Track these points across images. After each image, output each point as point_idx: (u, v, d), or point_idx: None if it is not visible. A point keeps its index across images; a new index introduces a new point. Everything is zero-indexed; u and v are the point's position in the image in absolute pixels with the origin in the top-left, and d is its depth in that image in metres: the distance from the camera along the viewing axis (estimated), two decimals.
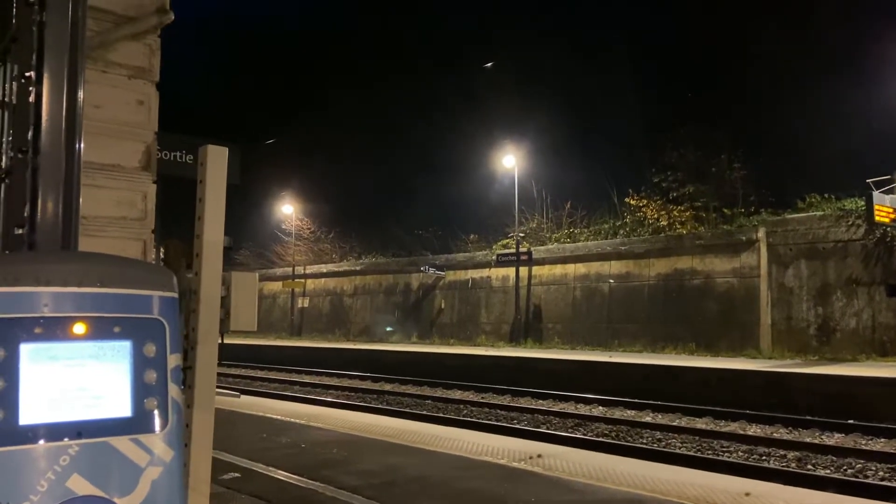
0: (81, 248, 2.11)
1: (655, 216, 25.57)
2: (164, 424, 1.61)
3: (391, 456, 6.67)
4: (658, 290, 23.16)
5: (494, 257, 28.12)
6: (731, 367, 15.55)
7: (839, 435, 11.23)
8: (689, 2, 30.71)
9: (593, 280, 25.11)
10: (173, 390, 1.65)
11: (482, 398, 16.23)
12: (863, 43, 22.82)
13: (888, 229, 18.11)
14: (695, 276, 22.37)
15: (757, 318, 20.58)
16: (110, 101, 3.35)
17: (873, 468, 9.04)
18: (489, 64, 35.48)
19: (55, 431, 1.49)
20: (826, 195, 21.31)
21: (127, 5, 3.42)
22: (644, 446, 10.56)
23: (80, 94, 2.05)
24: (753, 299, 20.79)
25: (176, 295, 1.72)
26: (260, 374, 23.72)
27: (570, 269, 26.00)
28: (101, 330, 1.58)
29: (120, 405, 1.58)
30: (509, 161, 28.28)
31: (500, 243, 30.06)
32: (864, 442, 10.74)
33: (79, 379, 1.54)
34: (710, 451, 10.26)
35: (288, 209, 41.22)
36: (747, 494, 5.23)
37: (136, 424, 1.58)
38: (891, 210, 17.48)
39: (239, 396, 12.34)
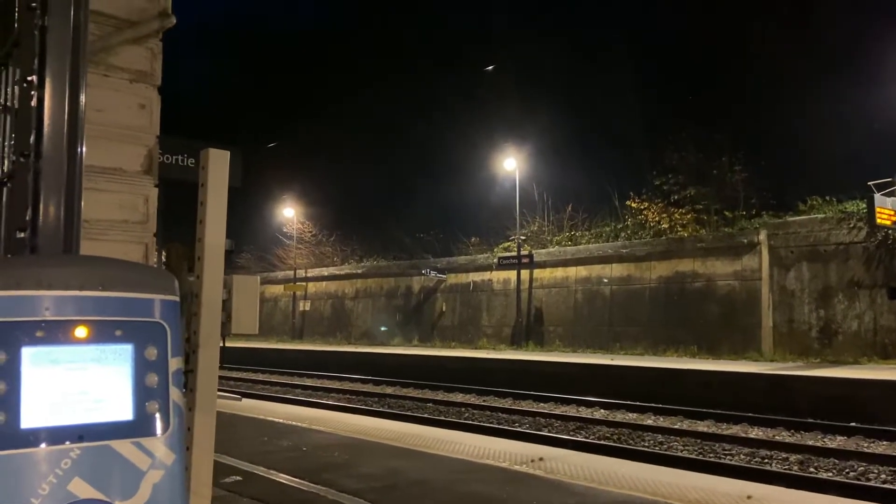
0: (83, 251, 2.11)
1: (657, 219, 25.56)
2: (165, 428, 1.61)
3: (393, 459, 6.67)
4: (659, 292, 23.15)
5: (496, 260, 28.11)
6: (732, 370, 15.54)
7: (841, 438, 11.22)
8: (689, 3, 30.74)
9: (594, 283, 25.10)
10: (175, 394, 1.65)
11: (483, 401, 16.21)
12: (863, 44, 22.83)
13: (890, 232, 18.09)
14: (696, 278, 22.35)
15: (758, 321, 20.56)
16: (112, 104, 3.36)
17: (876, 471, 9.02)
18: (490, 67, 35.54)
19: (57, 435, 1.49)
20: (827, 197, 21.30)
21: (129, 9, 3.43)
22: (646, 449, 10.55)
23: (82, 98, 2.05)
24: (755, 302, 20.77)
25: (177, 298, 1.72)
26: (261, 377, 23.72)
27: (572, 271, 25.99)
28: (103, 333, 1.58)
29: (121, 409, 1.58)
30: (510, 164, 28.29)
31: (501, 246, 30.06)
32: (866, 445, 10.72)
33: (80, 382, 1.55)
34: (711, 454, 10.25)
35: (289, 212, 41.25)
36: (749, 497, 5.22)
37: (137, 428, 1.58)
38: (892, 212, 17.47)
39: (240, 399, 12.33)
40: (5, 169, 2.14)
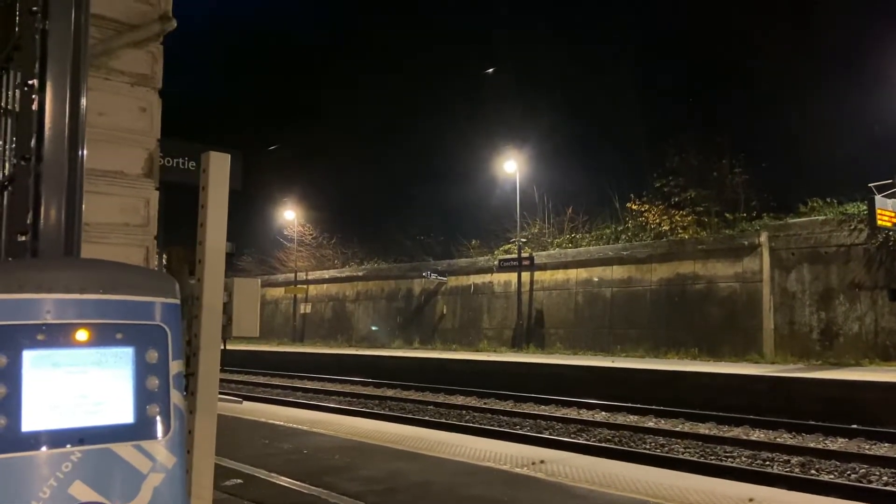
0: (84, 254, 2.11)
1: (657, 221, 25.55)
2: (166, 431, 1.62)
3: (393, 462, 6.67)
4: (660, 294, 23.14)
5: (496, 262, 28.12)
6: (733, 372, 15.52)
7: (843, 440, 11.20)
8: (690, 6, 30.74)
9: (595, 285, 25.10)
10: (175, 396, 1.65)
11: (484, 404, 16.20)
12: (864, 45, 22.84)
13: (890, 233, 18.09)
14: (697, 280, 22.35)
15: (759, 323, 20.55)
16: (113, 108, 3.36)
17: (877, 473, 9.01)
18: (491, 69, 35.57)
19: (57, 438, 1.50)
20: (828, 199, 21.30)
21: (130, 13, 3.44)
22: (647, 452, 10.53)
23: (83, 102, 2.06)
24: (756, 304, 20.76)
25: (178, 301, 1.73)
26: (262, 380, 23.71)
27: (572, 274, 25.99)
28: (104, 336, 1.58)
29: (122, 411, 1.58)
30: (511, 166, 28.31)
31: (501, 248, 30.06)
32: (867, 447, 10.70)
33: (81, 385, 1.55)
34: (713, 457, 10.24)
35: (290, 215, 41.26)
36: (751, 500, 5.22)
37: (138, 431, 1.58)
38: (893, 214, 17.47)
39: (241, 402, 12.31)
40: (6, 172, 2.14)
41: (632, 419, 13.61)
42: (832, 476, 8.99)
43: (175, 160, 4.67)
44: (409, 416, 14.47)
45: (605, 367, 17.87)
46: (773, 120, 25.99)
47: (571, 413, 14.55)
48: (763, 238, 20.99)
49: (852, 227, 19.22)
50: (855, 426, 11.70)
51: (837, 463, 9.56)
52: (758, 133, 25.96)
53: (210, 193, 3.04)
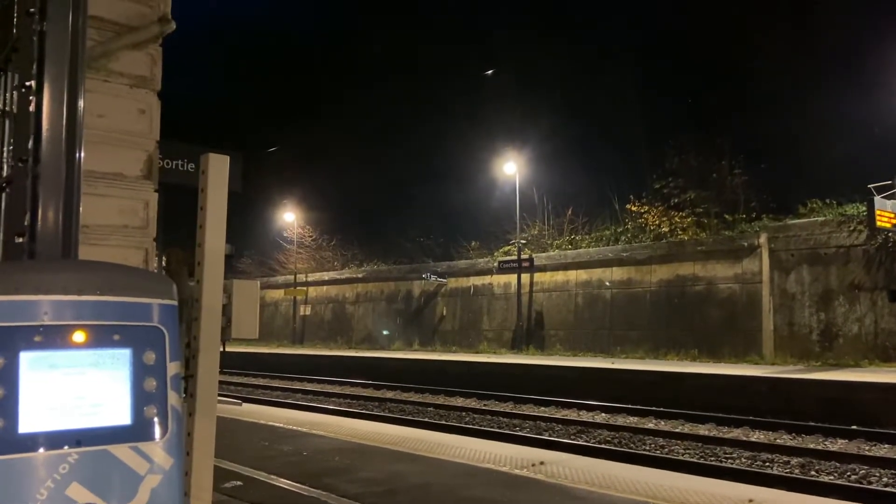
0: (84, 256, 2.11)
1: (657, 222, 25.56)
2: (163, 432, 1.61)
3: (393, 464, 6.66)
4: (660, 296, 23.13)
5: (496, 264, 28.11)
6: (733, 374, 15.52)
7: (843, 441, 11.19)
8: (689, 7, 30.76)
9: (595, 286, 25.10)
10: (173, 398, 1.65)
11: (484, 405, 16.19)
12: (863, 46, 22.86)
13: (890, 234, 18.09)
14: (697, 282, 22.35)
15: (759, 324, 20.55)
16: (112, 110, 3.36)
17: (877, 474, 9.00)
18: (490, 71, 35.59)
19: (55, 440, 1.50)
20: (827, 200, 21.31)
21: (128, 15, 3.44)
22: (647, 453, 10.52)
23: (81, 104, 2.06)
24: (756, 305, 20.76)
25: (176, 303, 1.72)
26: (262, 382, 23.70)
27: (572, 275, 25.99)
28: (101, 338, 1.58)
29: (119, 413, 1.58)
30: (510, 168, 28.32)
31: (501, 250, 30.07)
32: (867, 448, 10.70)
33: (78, 387, 1.55)
34: (713, 458, 10.23)
35: (289, 217, 41.26)
36: (751, 501, 5.22)
37: (135, 432, 1.58)
38: (892, 215, 17.46)
39: (241, 404, 12.30)
40: (4, 174, 2.14)
41: (632, 420, 13.60)
42: (832, 477, 8.98)
43: (174, 162, 4.67)
44: (409, 417, 14.45)
45: (604, 368, 17.87)
46: (773, 121, 26.00)
47: (571, 414, 14.54)
48: (762, 239, 20.99)
49: (852, 228, 19.22)
50: (855, 427, 11.69)
51: (837, 464, 9.55)
52: (757, 134, 25.98)
53: (209, 195, 3.04)
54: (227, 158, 3.15)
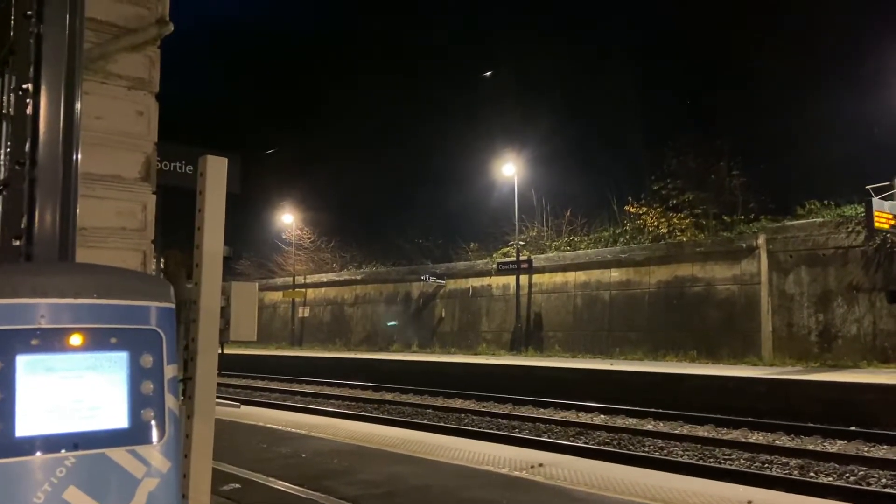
0: (82, 259, 2.11)
1: (655, 224, 25.58)
2: (161, 435, 1.61)
3: (392, 465, 6.66)
4: (659, 297, 23.14)
5: (495, 266, 28.12)
6: (732, 375, 15.52)
7: (841, 442, 11.20)
8: (689, 8, 30.78)
9: (594, 288, 25.10)
10: (170, 401, 1.64)
11: (483, 407, 16.19)
12: (862, 48, 22.88)
13: (888, 235, 18.11)
14: (695, 283, 22.36)
15: (758, 325, 20.56)
16: (110, 112, 3.35)
17: (876, 475, 9.00)
18: (489, 72, 35.61)
19: (52, 443, 1.49)
20: (826, 202, 21.34)
21: (126, 17, 3.43)
22: (646, 454, 10.52)
23: (78, 106, 2.05)
24: (754, 306, 20.77)
25: (173, 305, 1.72)
26: (260, 384, 23.68)
27: (571, 277, 25.99)
28: (98, 341, 1.58)
29: (116, 416, 1.57)
30: (509, 169, 28.34)
31: (500, 252, 30.07)
32: (866, 449, 10.70)
33: (75, 390, 1.54)
34: (712, 459, 10.23)
35: (288, 218, 41.24)
36: (749, 502, 5.22)
37: (132, 436, 1.58)
38: (890, 216, 17.49)
39: (239, 407, 12.30)
40: (1, 177, 2.14)
41: (630, 422, 13.60)
42: (831, 478, 8.98)
43: (172, 164, 4.67)
44: (408, 419, 14.45)
45: (603, 369, 17.87)
46: (772, 122, 26.03)
47: (570, 416, 14.54)
48: (761, 240, 21.01)
49: (850, 229, 19.25)
50: (853, 428, 11.70)
51: (836, 465, 9.55)
52: (756, 135, 26.00)
53: (207, 197, 3.04)
54: (226, 160, 3.15)
